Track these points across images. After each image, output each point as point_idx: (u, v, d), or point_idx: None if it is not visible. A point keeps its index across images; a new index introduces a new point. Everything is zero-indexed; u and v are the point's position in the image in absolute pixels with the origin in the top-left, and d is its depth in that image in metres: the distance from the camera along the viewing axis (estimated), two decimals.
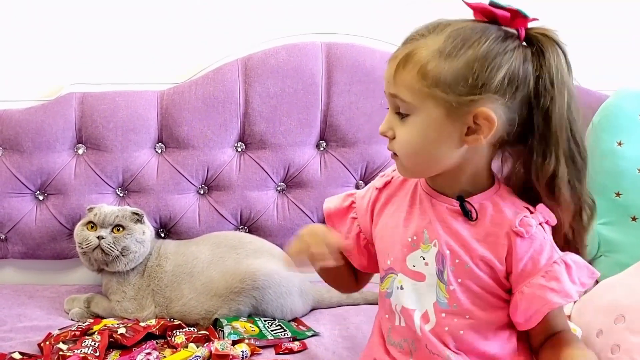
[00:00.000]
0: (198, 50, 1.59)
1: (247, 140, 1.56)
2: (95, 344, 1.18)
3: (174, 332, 1.27)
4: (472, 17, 0.84)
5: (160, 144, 1.57)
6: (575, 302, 1.15)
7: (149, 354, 1.16)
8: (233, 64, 1.55)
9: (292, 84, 1.53)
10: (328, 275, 1.02)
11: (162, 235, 1.56)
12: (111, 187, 1.56)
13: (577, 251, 0.87)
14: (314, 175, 1.56)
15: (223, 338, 1.23)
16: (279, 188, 1.59)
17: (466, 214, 0.86)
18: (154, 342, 1.24)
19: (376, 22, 1.59)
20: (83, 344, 1.18)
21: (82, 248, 1.38)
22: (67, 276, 1.61)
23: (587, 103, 1.42)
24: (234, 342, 1.19)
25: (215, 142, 1.54)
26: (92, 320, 1.34)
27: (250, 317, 1.34)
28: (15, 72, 1.60)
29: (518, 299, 0.85)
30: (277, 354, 1.21)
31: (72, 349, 1.17)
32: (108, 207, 1.42)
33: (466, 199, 0.87)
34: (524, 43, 0.82)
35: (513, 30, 0.82)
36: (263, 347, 1.22)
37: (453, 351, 0.87)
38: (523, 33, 0.82)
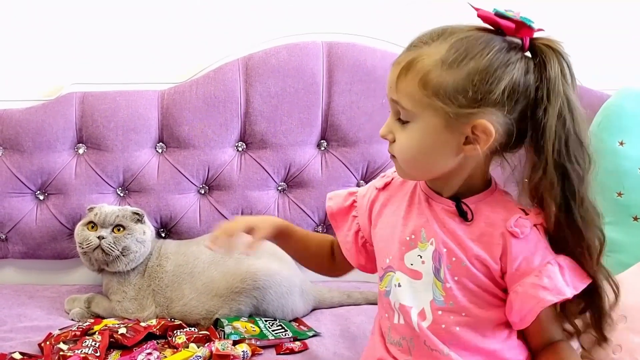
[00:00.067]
0: (199, 49, 1.59)
1: (248, 140, 1.56)
2: (95, 344, 1.18)
3: (175, 332, 1.27)
4: (478, 23, 0.83)
5: (160, 143, 1.56)
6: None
7: (149, 354, 1.16)
8: (234, 63, 1.55)
9: (293, 83, 1.53)
10: (295, 253, 1.13)
11: (163, 235, 1.56)
12: (112, 186, 1.55)
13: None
14: (315, 174, 1.56)
15: (224, 338, 1.23)
16: (279, 188, 1.58)
17: (462, 215, 0.87)
18: (155, 342, 1.24)
19: (377, 21, 1.59)
20: (83, 344, 1.18)
21: (82, 248, 1.38)
22: (67, 276, 1.61)
23: (589, 103, 1.42)
24: (235, 342, 1.19)
25: (216, 142, 1.54)
26: (92, 321, 1.34)
27: (251, 317, 1.34)
28: (16, 72, 1.60)
29: (512, 299, 0.86)
30: (278, 354, 1.21)
31: (73, 349, 1.16)
32: (108, 207, 1.42)
33: (462, 200, 0.88)
34: (528, 53, 0.82)
35: (517, 40, 0.81)
36: (264, 347, 1.22)
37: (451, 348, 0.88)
38: (527, 43, 0.81)
